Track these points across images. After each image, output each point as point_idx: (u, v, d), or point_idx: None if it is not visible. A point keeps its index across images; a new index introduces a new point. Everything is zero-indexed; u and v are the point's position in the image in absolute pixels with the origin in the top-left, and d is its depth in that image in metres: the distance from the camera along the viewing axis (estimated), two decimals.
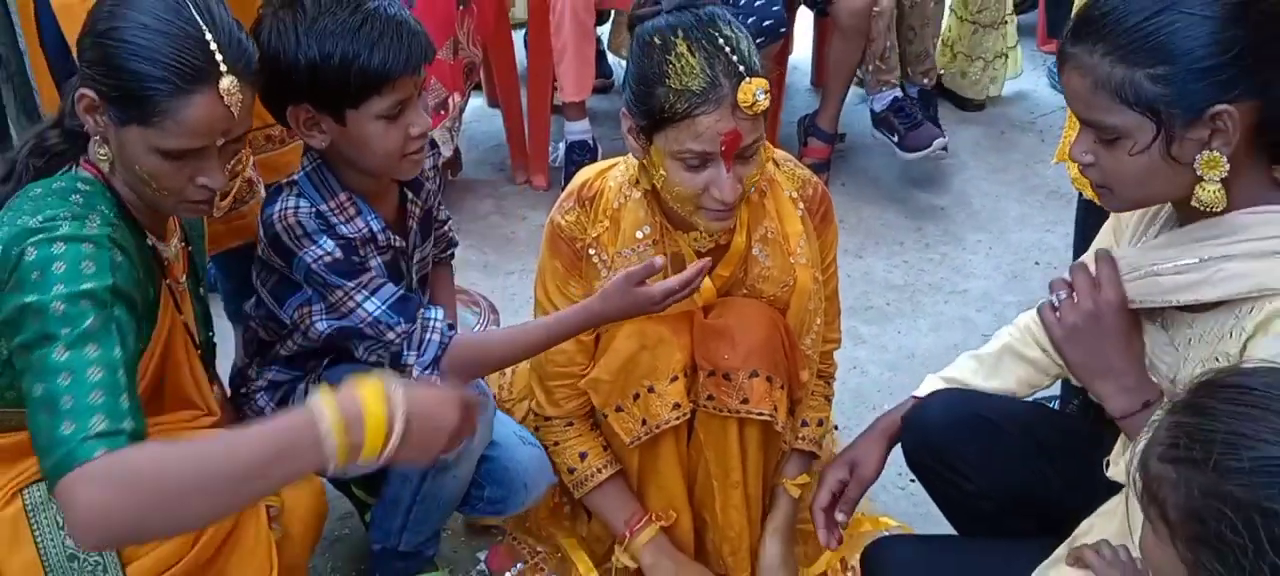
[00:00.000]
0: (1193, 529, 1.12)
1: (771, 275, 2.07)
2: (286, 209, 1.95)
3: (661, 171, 1.88)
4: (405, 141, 1.90)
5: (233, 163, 1.69)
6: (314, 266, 1.94)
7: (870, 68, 3.66)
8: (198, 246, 1.98)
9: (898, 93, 3.72)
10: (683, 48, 1.79)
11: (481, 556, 2.38)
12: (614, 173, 2.08)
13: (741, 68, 1.78)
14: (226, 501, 1.44)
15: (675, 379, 2.04)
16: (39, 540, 1.66)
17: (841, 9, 3.51)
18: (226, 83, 1.59)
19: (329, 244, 1.93)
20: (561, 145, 3.76)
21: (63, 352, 1.48)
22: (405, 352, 1.98)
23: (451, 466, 2.04)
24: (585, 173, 2.12)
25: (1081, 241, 2.40)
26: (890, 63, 3.68)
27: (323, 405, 1.42)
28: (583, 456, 2.15)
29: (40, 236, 1.54)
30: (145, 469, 1.40)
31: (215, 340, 2.02)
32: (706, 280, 2.03)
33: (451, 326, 2.02)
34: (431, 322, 1.99)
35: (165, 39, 1.57)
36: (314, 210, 1.94)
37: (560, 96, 3.65)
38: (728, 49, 1.79)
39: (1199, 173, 1.47)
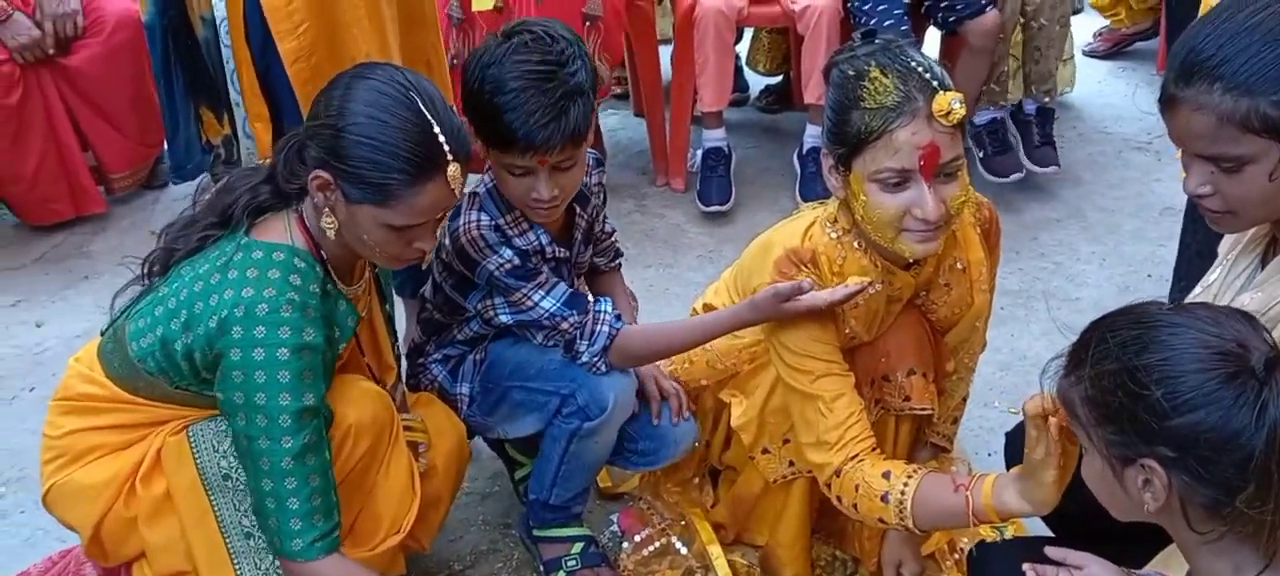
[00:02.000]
0: (1093, 413, 1.34)
1: (949, 300, 2.02)
2: (470, 223, 2.03)
3: (862, 198, 1.79)
4: (528, 196, 1.97)
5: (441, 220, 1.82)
6: (496, 273, 2.04)
7: (983, 88, 3.67)
8: (383, 271, 2.07)
9: (998, 113, 3.72)
10: (876, 72, 1.75)
11: (614, 518, 2.45)
12: (808, 231, 1.95)
13: (934, 83, 1.73)
14: None
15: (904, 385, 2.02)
16: (199, 462, 1.84)
17: (973, 29, 3.50)
18: (453, 170, 1.70)
19: (508, 253, 2.02)
20: (698, 151, 3.84)
21: (290, 462, 1.72)
22: (578, 341, 2.07)
23: (594, 433, 2.12)
24: (780, 238, 1.95)
25: (1184, 253, 2.45)
26: (1003, 83, 3.68)
27: None
28: (886, 476, 1.86)
29: (266, 332, 1.68)
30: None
31: (394, 320, 2.16)
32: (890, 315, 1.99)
33: (618, 319, 2.09)
34: (602, 315, 2.08)
35: (401, 134, 1.67)
36: (494, 224, 2.03)
37: (700, 107, 3.73)
38: (919, 67, 1.74)
39: None
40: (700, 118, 3.80)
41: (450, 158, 1.69)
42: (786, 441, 2.06)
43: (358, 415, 1.85)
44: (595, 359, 2.08)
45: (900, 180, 1.76)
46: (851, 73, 1.78)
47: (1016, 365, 3.02)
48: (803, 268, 1.90)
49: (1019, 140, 3.78)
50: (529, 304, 2.08)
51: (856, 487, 1.85)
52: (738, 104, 4.32)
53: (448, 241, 2.08)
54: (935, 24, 3.75)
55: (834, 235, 1.94)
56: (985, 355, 2.83)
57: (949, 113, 1.72)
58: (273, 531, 1.77)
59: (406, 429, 2.02)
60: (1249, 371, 1.25)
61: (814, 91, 3.57)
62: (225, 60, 2.97)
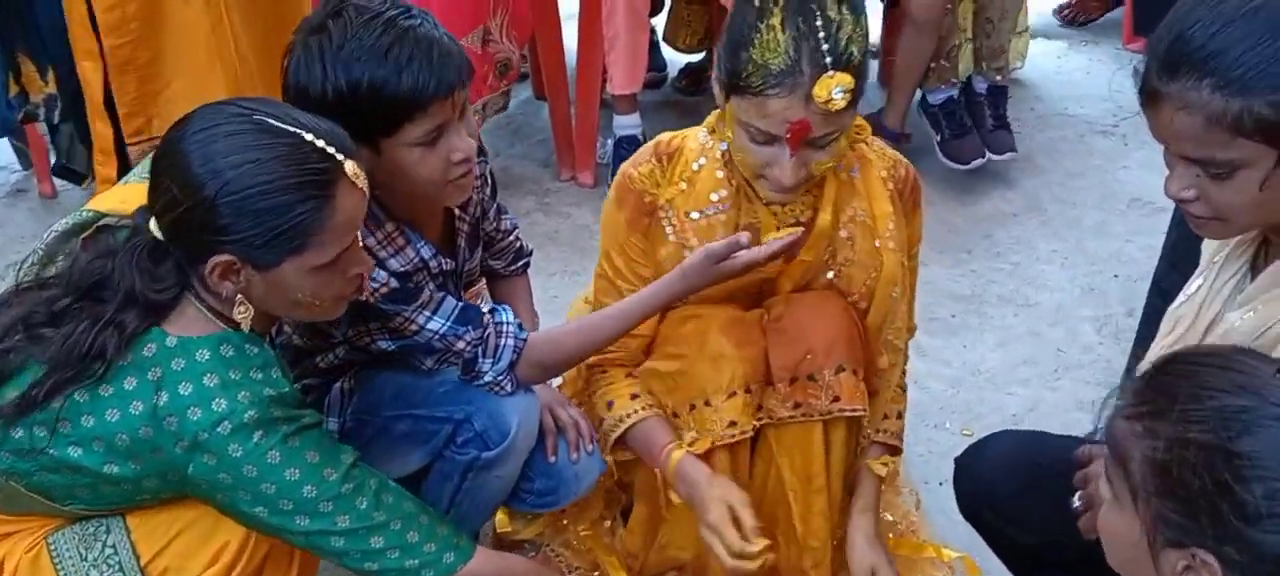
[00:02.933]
0: (1156, 482, 1.23)
1: (858, 259, 2.07)
2: None
3: (730, 132, 1.92)
4: (447, 167, 1.90)
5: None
6: (370, 300, 1.96)
7: (933, 65, 3.62)
8: None
9: (954, 92, 3.68)
10: (776, 19, 1.79)
11: None
12: (698, 132, 2.07)
13: (827, 59, 1.77)
14: None
15: (733, 395, 2.03)
16: (61, 570, 1.75)
17: (915, 2, 3.48)
18: (350, 168, 1.66)
19: (381, 276, 1.95)
20: (610, 141, 3.74)
21: (378, 513, 1.74)
22: (479, 360, 2.02)
23: (494, 465, 2.05)
24: (665, 133, 2.12)
25: (1171, 254, 2.41)
26: (953, 60, 3.64)
27: None
28: (609, 405, 2.12)
29: (264, 428, 1.65)
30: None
31: None
32: (788, 278, 2.07)
33: (521, 328, 2.07)
34: (503, 327, 2.04)
35: (282, 164, 1.61)
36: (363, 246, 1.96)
37: (610, 89, 3.63)
38: (821, 33, 1.77)
39: None
40: (610, 102, 3.73)
41: (340, 157, 1.65)
42: (692, 407, 2.07)
43: None
44: (501, 377, 2.03)
45: (765, 140, 1.85)
46: (755, 5, 1.82)
47: (969, 381, 2.98)
48: (661, 161, 2.06)
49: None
50: (413, 328, 2.01)
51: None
52: (654, 85, 4.23)
53: None
54: None
55: (707, 142, 2.05)
56: (933, 369, 3.02)
57: (828, 101, 1.78)
58: (413, 569, 1.78)
59: None
60: None
61: None
62: None
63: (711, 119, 2.03)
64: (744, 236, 1.91)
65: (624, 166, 2.10)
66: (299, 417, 1.70)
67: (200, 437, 1.63)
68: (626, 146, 3.61)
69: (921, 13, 3.45)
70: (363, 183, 1.69)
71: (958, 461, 2.01)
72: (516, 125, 4.12)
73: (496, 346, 2.02)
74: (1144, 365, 1.55)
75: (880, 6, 3.91)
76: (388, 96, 1.81)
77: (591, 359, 2.14)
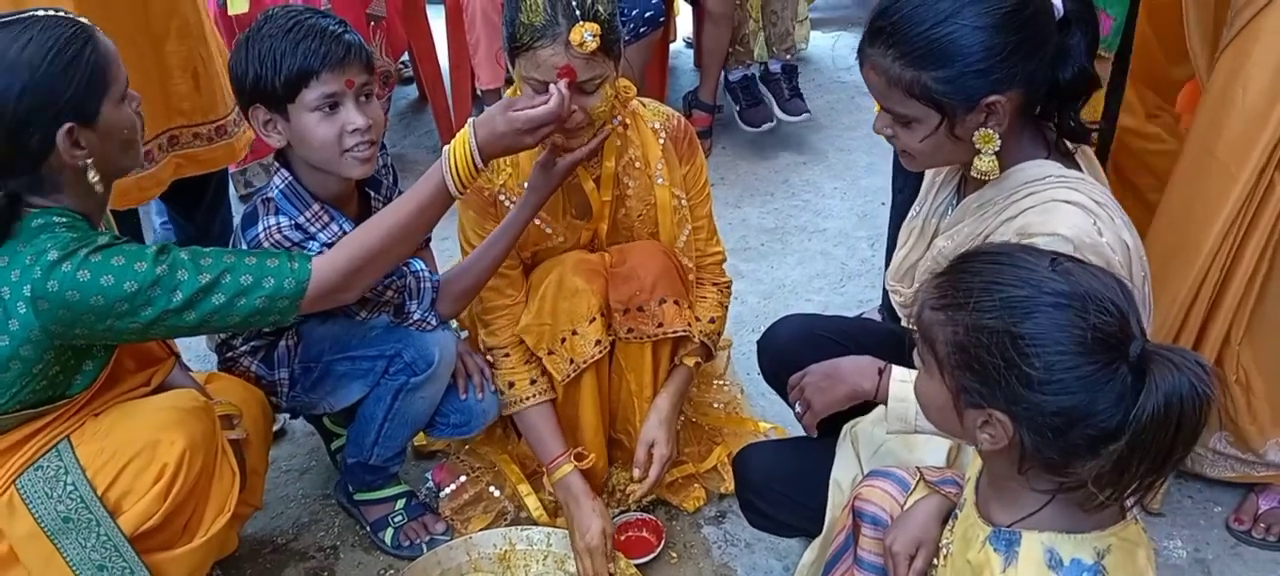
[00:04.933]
0: (958, 358, 1.22)
1: (637, 193, 2.07)
2: (270, 227, 1.93)
3: (519, 93, 1.86)
4: (341, 135, 1.88)
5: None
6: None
7: (731, 49, 3.73)
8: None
9: (749, 71, 3.79)
10: None
11: (428, 475, 2.41)
12: None
13: (577, 11, 1.78)
14: (410, 246, 1.81)
15: (593, 320, 2.05)
16: (35, 512, 1.71)
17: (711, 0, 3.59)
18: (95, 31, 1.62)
19: (314, 247, 1.92)
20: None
21: (205, 276, 1.64)
22: (407, 303, 2.02)
23: (421, 387, 2.06)
24: None
25: (897, 176, 2.52)
26: (747, 45, 3.73)
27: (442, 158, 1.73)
28: (511, 385, 2.14)
29: (67, 258, 1.58)
30: (355, 246, 1.75)
31: None
32: (596, 196, 2.06)
33: (434, 273, 2.08)
34: (420, 273, 2.03)
35: (43, 34, 1.59)
36: (293, 223, 1.94)
37: (479, 85, 3.67)
38: None
39: (977, 146, 1.55)
40: (481, 96, 3.76)
41: (82, 19, 1.63)
42: (564, 339, 2.06)
43: (188, 438, 1.75)
44: (427, 314, 2.03)
45: (544, 88, 1.81)
46: None
47: (778, 293, 3.09)
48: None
49: (770, 96, 3.87)
50: None
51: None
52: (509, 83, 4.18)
53: (247, 249, 1.96)
54: None
55: None
56: (750, 288, 3.09)
57: (583, 44, 1.77)
58: (270, 294, 1.68)
59: (218, 404, 1.93)
60: (1125, 360, 1.16)
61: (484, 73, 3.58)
62: None
63: (511, 90, 1.95)
64: (554, 98, 1.79)
65: None
66: (94, 239, 1.60)
67: (27, 293, 1.58)
68: None
69: (717, 7, 3.56)
70: (103, 37, 1.64)
71: (759, 341, 2.06)
72: (407, 121, 4.17)
73: (418, 289, 2.02)
74: (925, 262, 1.64)
75: (688, 7, 3.96)
76: (286, 66, 1.85)
77: (488, 340, 2.12)
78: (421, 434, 2.33)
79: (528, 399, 2.15)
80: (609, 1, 1.82)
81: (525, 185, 1.99)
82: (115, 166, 1.70)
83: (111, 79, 1.63)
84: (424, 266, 2.07)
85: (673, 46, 4.20)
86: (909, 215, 1.82)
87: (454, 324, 2.23)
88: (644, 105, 2.10)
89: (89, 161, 1.63)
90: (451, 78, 3.82)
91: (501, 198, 2.06)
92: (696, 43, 4.14)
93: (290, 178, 1.98)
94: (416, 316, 2.04)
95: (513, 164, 2.03)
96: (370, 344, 2.06)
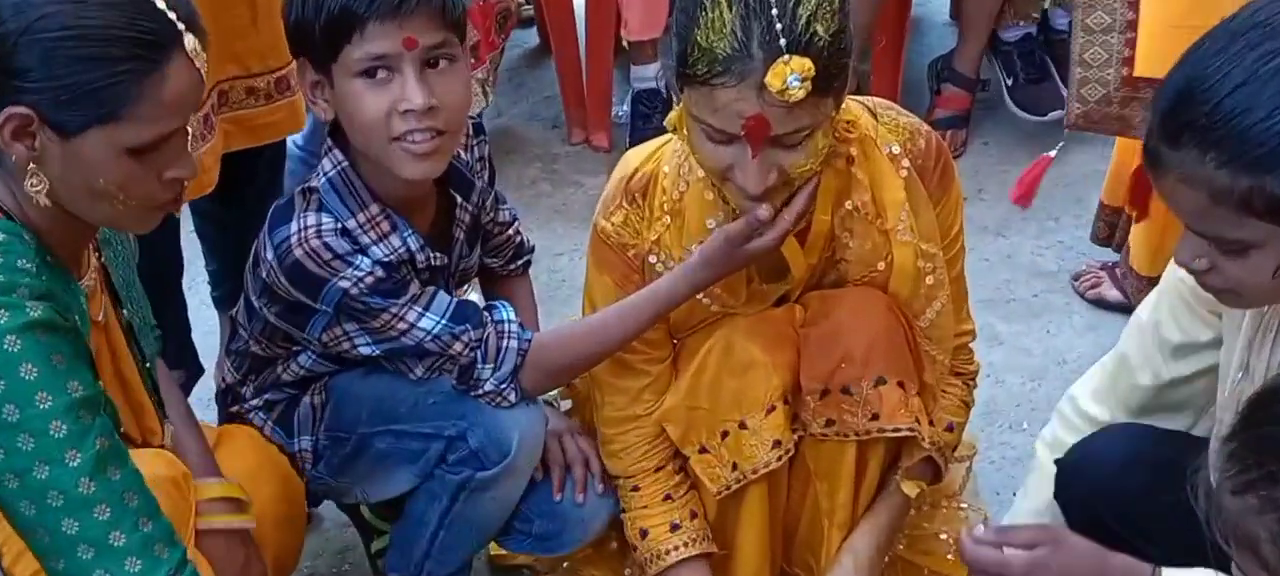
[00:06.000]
0: None
1: (861, 252, 2.13)
2: (306, 229, 2.02)
3: (685, 130, 1.93)
4: (391, 116, 1.96)
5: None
6: (353, 292, 2.03)
7: None
8: (116, 251, 1.98)
9: (1033, 29, 3.82)
10: None
11: None
12: (668, 153, 2.12)
13: (782, 40, 1.78)
14: None
15: (773, 409, 2.11)
16: None
17: None
18: (190, 42, 1.67)
19: (365, 264, 2.02)
20: (627, 96, 3.89)
21: (89, 484, 1.62)
22: (478, 365, 2.10)
23: (491, 486, 2.15)
24: (632, 158, 2.17)
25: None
26: None
27: None
28: (643, 534, 2.23)
29: None
30: None
31: (155, 351, 2.07)
32: (798, 258, 2.11)
33: (524, 328, 2.14)
34: (505, 327, 2.12)
35: (113, 10, 1.62)
36: (339, 227, 2.03)
37: (625, 35, 3.74)
38: (775, 10, 1.78)
39: None
40: (628, 50, 3.84)
41: (181, 27, 1.66)
42: (726, 434, 2.14)
43: None
44: (503, 385, 2.11)
45: (724, 139, 1.86)
46: None
47: (1054, 372, 3.06)
48: (634, 201, 2.10)
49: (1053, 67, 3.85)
50: (402, 327, 2.08)
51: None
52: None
53: (270, 256, 2.07)
54: None
55: (683, 160, 2.07)
56: (1012, 359, 3.07)
57: (784, 91, 1.77)
58: None
59: (212, 502, 1.99)
60: None
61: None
62: None
63: (674, 115, 2.00)
64: (763, 210, 1.92)
65: (595, 220, 2.15)
66: (22, 308, 1.60)
67: None
68: (647, 102, 3.77)
69: None
70: (201, 64, 1.68)
71: (1061, 464, 2.05)
72: (518, 80, 4.24)
73: (498, 349, 2.10)
74: (1218, 429, 1.62)
75: None
76: (326, 11, 1.92)
77: (616, 467, 2.23)
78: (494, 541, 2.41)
79: (668, 553, 2.22)
80: (834, 13, 1.83)
81: (692, 248, 2.07)
82: (80, 208, 1.73)
83: (127, 112, 1.64)
84: (510, 314, 2.14)
85: None
86: (1229, 372, 1.83)
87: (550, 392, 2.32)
88: (876, 119, 2.12)
89: (33, 167, 1.65)
90: (588, 22, 3.89)
91: (653, 260, 2.13)
92: None
93: (344, 163, 2.07)
94: (488, 387, 2.11)
95: (672, 211, 2.11)
96: (424, 417, 2.14)
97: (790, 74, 1.77)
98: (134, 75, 1.63)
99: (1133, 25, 2.69)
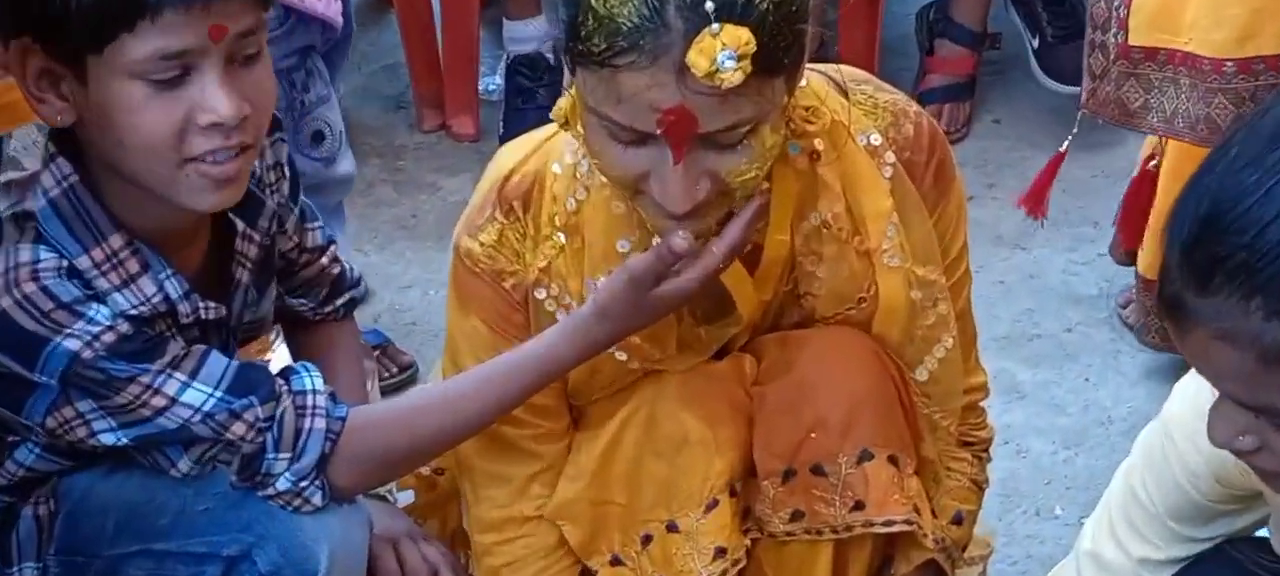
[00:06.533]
0: None
1: (834, 288, 2.12)
2: (18, 270, 1.97)
3: (579, 127, 1.93)
4: (185, 132, 1.91)
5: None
6: (86, 355, 1.96)
7: None
8: None
9: None
10: None
11: None
12: (559, 145, 2.10)
13: (709, 3, 1.76)
14: None
15: (714, 504, 2.10)
16: None
17: None
18: None
19: (103, 315, 1.96)
20: (500, 64, 3.89)
21: None
22: (267, 454, 2.04)
23: None
24: (508, 154, 2.16)
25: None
26: None
27: None
28: None
29: None
30: None
31: None
32: (747, 293, 2.10)
33: (336, 400, 2.10)
34: (307, 399, 2.07)
35: None
36: (63, 267, 1.97)
37: None
38: None
39: None
40: (499, 2, 3.95)
41: None
42: (649, 539, 2.13)
43: None
44: (304, 483, 2.05)
45: (634, 140, 1.83)
46: None
47: (1094, 436, 3.03)
48: (511, 213, 2.06)
49: None
50: (158, 404, 1.99)
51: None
52: None
53: None
54: None
55: (576, 157, 2.05)
56: (1037, 418, 3.12)
57: (712, 73, 1.74)
58: None
59: None
60: None
61: None
62: None
63: (564, 104, 2.01)
64: (678, 238, 1.89)
65: (458, 238, 2.14)
66: None
67: None
68: (527, 72, 3.80)
69: None
70: None
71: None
72: (356, 48, 4.13)
73: (297, 431, 2.05)
74: None
75: None
76: None
77: (477, 514, 2.22)
78: None
79: None
80: None
81: (598, 279, 2.06)
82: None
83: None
84: (314, 381, 2.10)
85: None
86: None
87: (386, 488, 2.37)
88: (847, 99, 2.11)
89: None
90: None
91: (541, 294, 2.11)
92: None
93: (72, 178, 2.00)
94: (282, 485, 2.05)
95: (568, 227, 2.10)
96: (195, 530, 2.10)
97: (721, 50, 1.73)
98: None
99: None
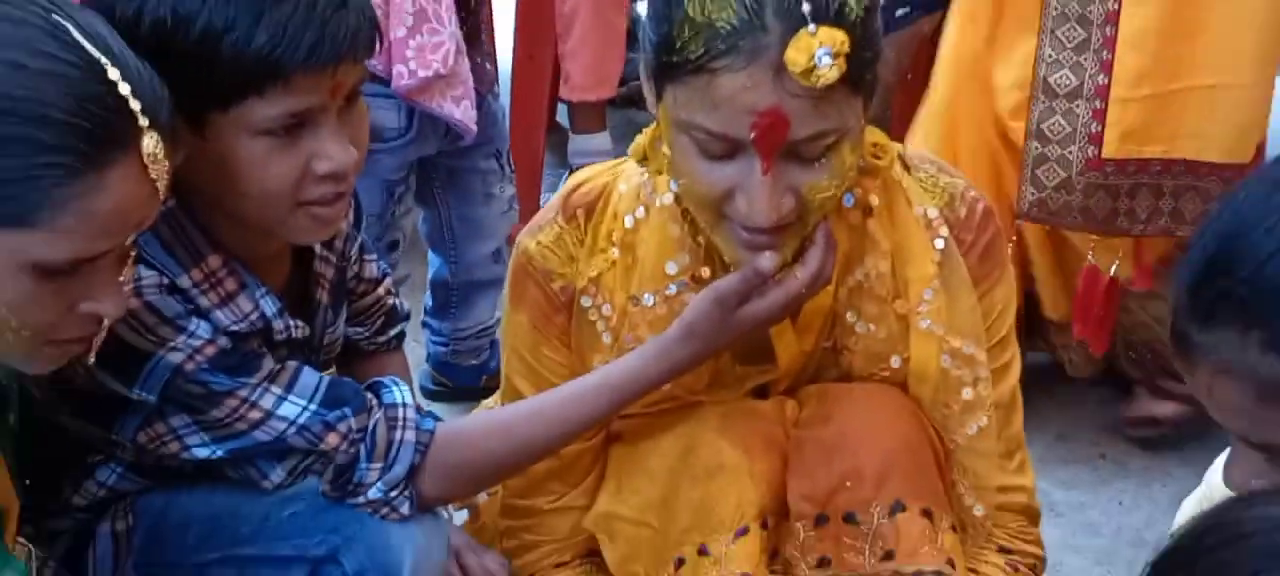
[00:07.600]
0: None
1: (869, 347, 2.14)
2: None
3: (665, 150, 1.93)
4: (302, 181, 1.95)
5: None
6: (187, 369, 1.98)
7: None
8: None
9: None
10: None
11: None
12: (630, 169, 2.12)
13: (806, 6, 1.78)
14: None
15: (744, 531, 2.08)
16: None
17: None
18: (149, 143, 1.69)
19: (204, 329, 1.98)
20: (562, 179, 3.88)
21: None
22: (361, 464, 2.06)
23: None
24: (585, 171, 2.18)
25: None
26: None
27: None
28: None
29: None
30: None
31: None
32: (789, 340, 2.12)
33: (426, 415, 2.11)
34: (399, 413, 2.09)
35: (58, 86, 1.63)
36: (167, 283, 1.99)
37: (566, 94, 3.83)
38: None
39: None
40: (570, 115, 3.92)
41: (144, 122, 1.69)
42: (681, 562, 2.12)
43: None
44: (395, 493, 2.08)
45: (724, 149, 1.85)
46: None
47: (1125, 556, 3.03)
48: (573, 220, 2.10)
49: None
50: (255, 416, 2.03)
51: None
52: (630, 102, 4.41)
53: None
54: None
55: (645, 183, 2.09)
56: (1073, 536, 3.07)
57: (811, 71, 1.76)
58: None
59: None
60: None
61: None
62: None
63: (642, 140, 2.03)
64: (765, 259, 1.91)
65: (519, 238, 2.17)
66: None
67: None
68: None
69: None
70: (159, 175, 1.71)
71: None
72: None
73: (390, 442, 2.07)
74: None
75: None
76: (232, 49, 1.86)
77: (518, 540, 2.24)
78: None
79: None
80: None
81: (643, 297, 2.10)
82: None
83: (42, 219, 1.65)
84: (405, 396, 2.13)
85: None
86: None
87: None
88: (910, 172, 2.15)
89: None
90: (514, 78, 3.94)
91: (586, 302, 2.14)
92: None
93: (172, 202, 1.99)
94: (374, 493, 2.07)
95: (622, 243, 2.13)
96: (281, 534, 2.11)
97: (819, 47, 1.76)
98: (65, 171, 1.64)
99: (1104, 92, 2.83)
